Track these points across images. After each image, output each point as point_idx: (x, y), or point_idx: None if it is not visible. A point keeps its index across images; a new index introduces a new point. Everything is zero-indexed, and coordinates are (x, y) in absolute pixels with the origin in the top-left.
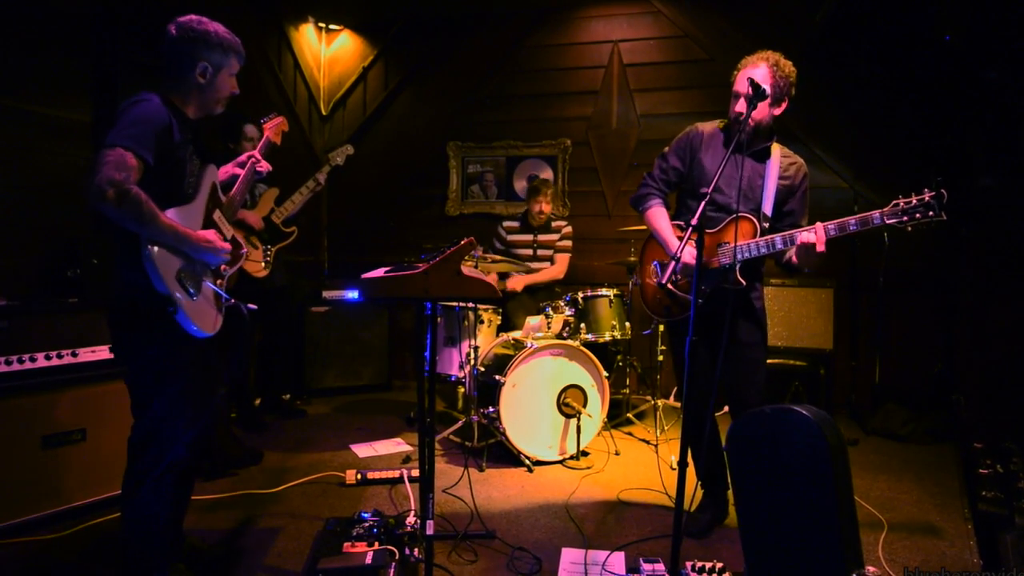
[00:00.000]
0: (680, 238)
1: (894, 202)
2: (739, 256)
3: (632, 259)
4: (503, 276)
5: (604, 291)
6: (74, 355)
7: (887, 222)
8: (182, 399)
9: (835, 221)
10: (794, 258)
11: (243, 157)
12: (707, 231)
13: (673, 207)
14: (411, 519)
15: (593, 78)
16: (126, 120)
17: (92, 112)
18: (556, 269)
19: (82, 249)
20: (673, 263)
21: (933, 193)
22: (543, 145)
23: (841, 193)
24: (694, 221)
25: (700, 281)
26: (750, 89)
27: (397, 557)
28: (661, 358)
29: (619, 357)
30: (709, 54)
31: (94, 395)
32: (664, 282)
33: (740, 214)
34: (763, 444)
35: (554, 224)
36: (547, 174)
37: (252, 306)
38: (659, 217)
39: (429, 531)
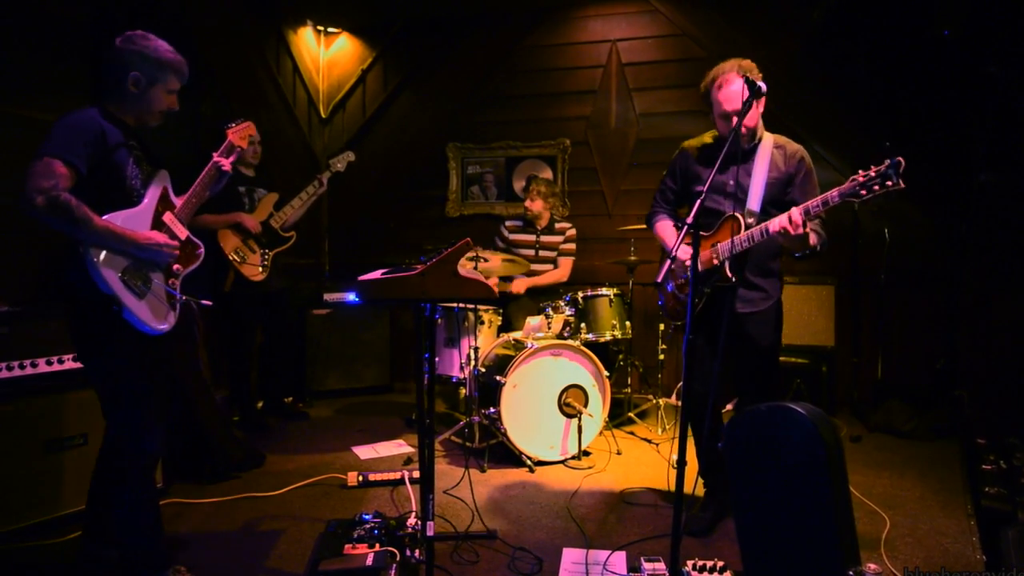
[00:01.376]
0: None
1: (852, 177)
2: (724, 253)
3: (632, 258)
4: (506, 279)
5: (604, 290)
6: (76, 360)
7: (848, 198)
8: (146, 394)
9: (800, 206)
10: (785, 244)
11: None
12: (704, 235)
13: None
14: (412, 520)
15: (592, 78)
16: (56, 131)
17: None
18: (560, 272)
19: None
20: (668, 262)
21: (889, 162)
22: (542, 145)
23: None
24: (689, 220)
25: (699, 282)
26: (734, 105)
27: (398, 558)
28: (662, 357)
29: (620, 356)
30: (707, 52)
31: (96, 400)
32: (659, 280)
33: (728, 214)
34: (759, 442)
35: (558, 226)
36: (547, 174)
37: (206, 302)
38: (664, 228)
39: (430, 532)
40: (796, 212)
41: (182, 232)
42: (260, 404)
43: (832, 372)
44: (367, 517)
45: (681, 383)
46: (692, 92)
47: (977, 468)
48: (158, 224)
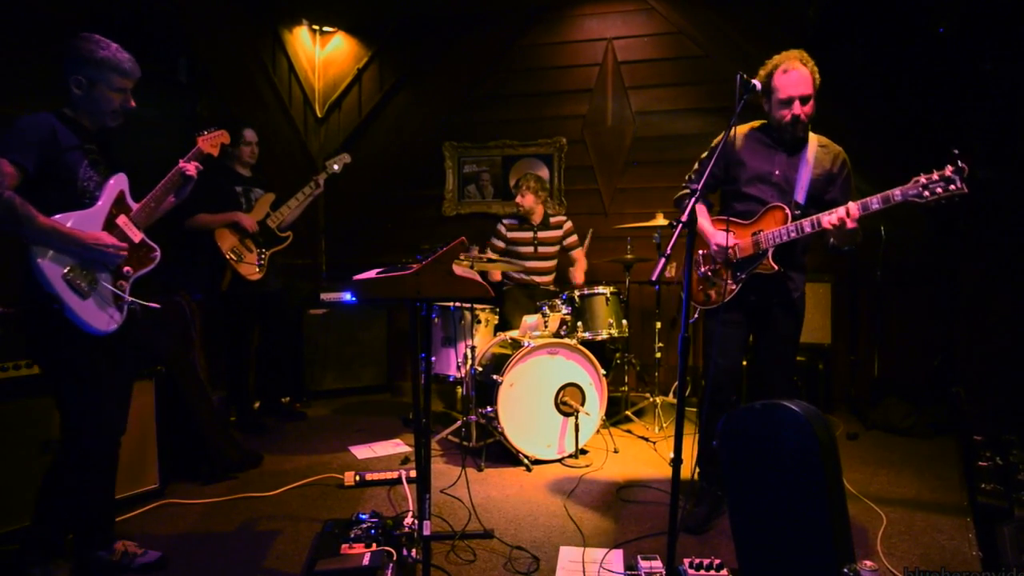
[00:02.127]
0: (720, 229)
1: (915, 178)
2: (770, 241)
3: (629, 257)
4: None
5: (601, 289)
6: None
7: (910, 198)
8: (95, 392)
9: (858, 201)
10: (832, 239)
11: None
12: (743, 222)
13: (717, 205)
14: (409, 520)
15: (588, 76)
16: (6, 132)
17: None
18: (582, 264)
19: None
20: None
21: (952, 168)
22: (539, 144)
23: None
24: (683, 218)
25: (736, 268)
26: (807, 90)
27: (395, 558)
28: (659, 355)
29: (617, 355)
30: (703, 50)
31: None
32: (656, 278)
33: (773, 204)
34: (754, 440)
35: (552, 220)
36: (543, 173)
37: (154, 305)
38: (700, 213)
39: (426, 532)
40: (855, 207)
41: (136, 235)
42: (257, 404)
43: (829, 369)
44: (364, 517)
45: (677, 384)
46: (689, 90)
47: (974, 465)
48: (110, 226)
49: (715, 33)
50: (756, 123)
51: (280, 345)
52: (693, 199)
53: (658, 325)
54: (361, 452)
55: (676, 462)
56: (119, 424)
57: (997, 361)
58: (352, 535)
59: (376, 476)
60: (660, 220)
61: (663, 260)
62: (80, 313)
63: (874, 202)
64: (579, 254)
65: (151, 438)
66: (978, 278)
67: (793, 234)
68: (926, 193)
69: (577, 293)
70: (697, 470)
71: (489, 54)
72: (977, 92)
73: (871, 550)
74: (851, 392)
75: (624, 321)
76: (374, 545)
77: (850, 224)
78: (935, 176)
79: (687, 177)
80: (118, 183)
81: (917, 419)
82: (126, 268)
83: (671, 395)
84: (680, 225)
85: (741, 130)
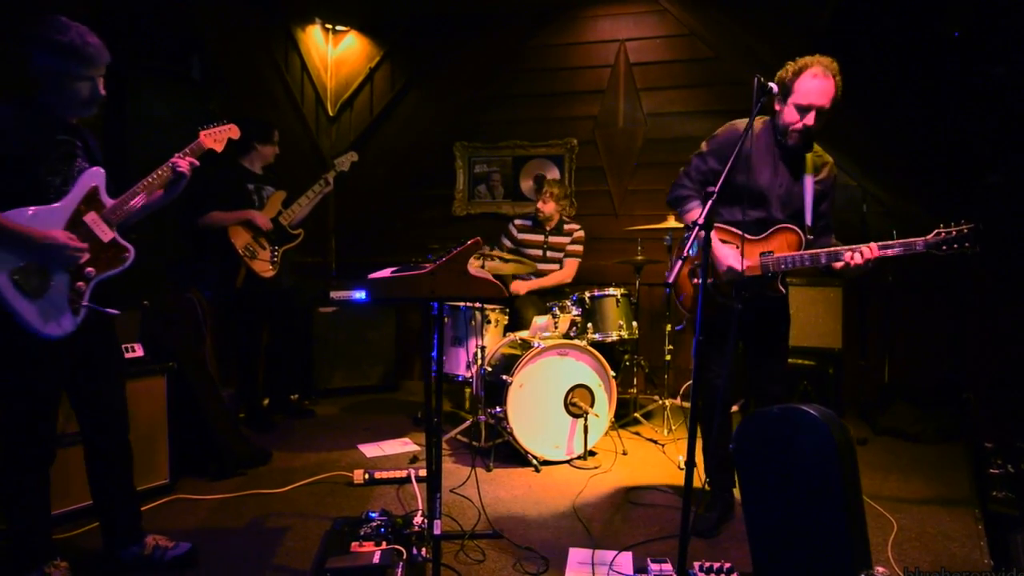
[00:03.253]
0: (724, 241)
1: (936, 230)
2: (783, 267)
3: (639, 258)
4: (515, 278)
5: (611, 291)
6: None
7: (931, 249)
8: (26, 398)
9: (880, 244)
10: (836, 266)
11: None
12: (751, 238)
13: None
14: (418, 519)
15: (599, 77)
16: None
17: (102, 116)
18: (564, 273)
19: None
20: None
21: (972, 226)
22: (549, 145)
23: (849, 191)
24: (700, 220)
25: (742, 287)
26: (828, 103)
27: (405, 557)
28: (668, 357)
29: (626, 357)
30: (716, 52)
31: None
32: (671, 280)
33: (784, 225)
34: (771, 444)
35: (566, 227)
36: (554, 174)
37: (113, 311)
38: (696, 215)
39: (437, 531)
40: (874, 249)
41: (106, 234)
42: (266, 401)
43: (839, 374)
44: (373, 515)
45: (688, 384)
46: (701, 92)
47: (984, 472)
48: (75, 224)
49: (727, 35)
50: (758, 122)
51: (290, 343)
52: (711, 201)
53: (668, 327)
54: (370, 450)
55: (689, 464)
56: (120, 417)
57: (1008, 367)
58: (362, 533)
59: (385, 475)
60: (671, 222)
61: (680, 262)
62: (25, 315)
63: (894, 250)
64: (571, 264)
65: (162, 434)
66: (989, 284)
67: (808, 263)
68: (944, 247)
69: (588, 294)
70: (707, 479)
71: (501, 54)
72: (989, 96)
73: (882, 556)
74: (861, 397)
75: (634, 323)
76: (384, 543)
77: (864, 266)
78: (953, 232)
79: (683, 172)
80: (91, 178)
81: (926, 425)
82: (88, 269)
83: (680, 398)
84: (696, 227)
85: (744, 126)
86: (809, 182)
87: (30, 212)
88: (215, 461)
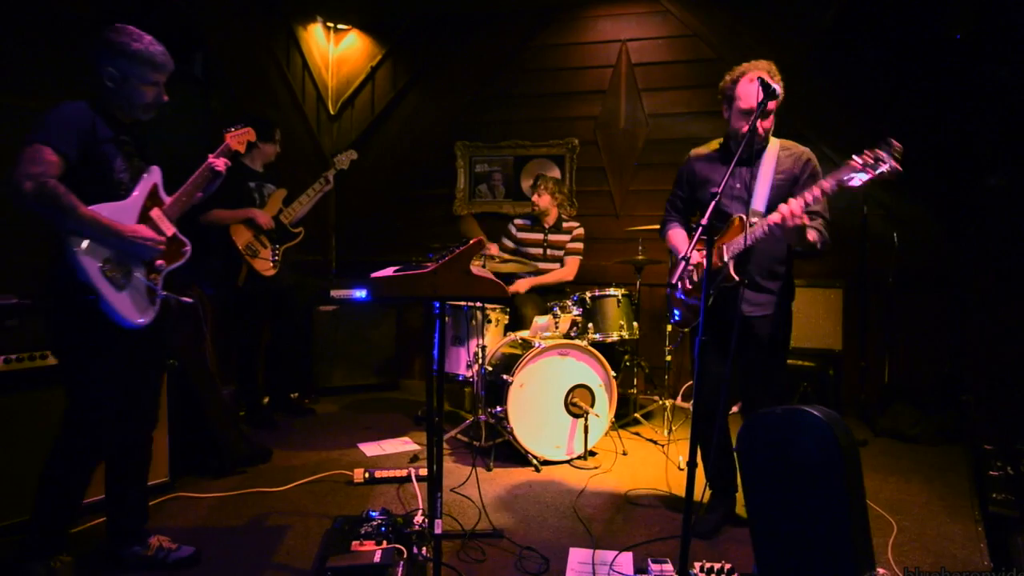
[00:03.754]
0: (697, 249)
1: (847, 161)
2: (728, 253)
3: (640, 258)
4: (515, 276)
5: (612, 291)
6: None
7: (844, 183)
8: (109, 386)
9: (798, 196)
10: (785, 240)
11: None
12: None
13: None
14: (419, 518)
15: (601, 77)
16: (47, 119)
17: None
18: (565, 271)
19: None
20: (682, 264)
21: (882, 144)
22: (550, 145)
23: (848, 191)
24: (703, 221)
25: (707, 285)
26: (758, 100)
27: (405, 556)
28: (669, 358)
29: (627, 357)
30: (718, 53)
31: None
32: (674, 282)
33: (735, 215)
34: (774, 445)
35: (565, 225)
36: (555, 173)
37: (187, 300)
38: (676, 235)
39: (437, 530)
40: (794, 202)
41: (168, 229)
42: (266, 400)
43: (839, 375)
44: (374, 514)
45: (689, 384)
46: (702, 93)
47: (984, 474)
48: (144, 219)
49: (729, 36)
50: (714, 143)
51: (290, 341)
52: (714, 201)
53: (668, 328)
54: (370, 449)
55: (691, 465)
56: (150, 415)
57: (1008, 369)
58: (362, 532)
59: (385, 473)
60: None
61: (683, 264)
62: (115, 305)
63: (811, 195)
64: (571, 262)
65: (162, 431)
66: (989, 285)
67: (748, 241)
68: (862, 175)
69: (588, 294)
70: (707, 485)
71: (502, 54)
72: (990, 98)
73: (882, 558)
74: (860, 398)
75: (635, 323)
76: (384, 543)
77: (790, 221)
78: (868, 157)
79: (665, 207)
80: (152, 176)
81: (926, 426)
82: (159, 262)
83: (680, 398)
84: (700, 229)
85: (701, 151)
86: (765, 174)
87: (108, 208)
88: (215, 459)
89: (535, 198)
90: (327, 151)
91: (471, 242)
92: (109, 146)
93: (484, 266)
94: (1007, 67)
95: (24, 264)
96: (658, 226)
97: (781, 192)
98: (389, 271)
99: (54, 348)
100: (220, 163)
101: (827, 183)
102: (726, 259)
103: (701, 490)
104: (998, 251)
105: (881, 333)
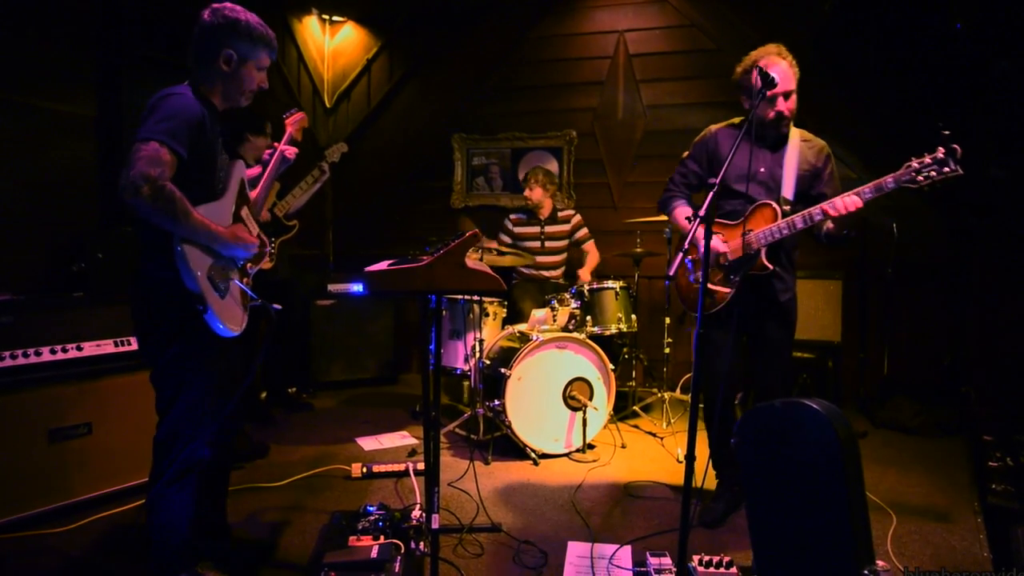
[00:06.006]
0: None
1: (906, 164)
2: (762, 240)
3: (638, 251)
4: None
5: (610, 283)
6: (79, 349)
7: (903, 183)
8: (205, 398)
9: (856, 190)
10: (830, 225)
11: (266, 154)
12: (730, 223)
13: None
14: (417, 512)
15: (599, 69)
16: (159, 114)
17: (97, 107)
18: (594, 257)
19: (87, 243)
20: (682, 253)
21: (944, 150)
22: (548, 137)
23: (850, 184)
24: (701, 212)
25: (729, 271)
26: (791, 85)
27: (403, 550)
28: (668, 350)
29: (625, 350)
30: (716, 44)
31: (100, 389)
32: (672, 273)
33: (762, 201)
34: (773, 438)
35: (561, 215)
36: (552, 166)
37: (277, 306)
38: (684, 214)
39: (435, 525)
40: (849, 197)
41: (254, 228)
42: (264, 394)
43: (838, 367)
44: (371, 509)
45: (687, 376)
46: (700, 84)
47: (984, 465)
48: (236, 219)
49: (727, 26)
50: (736, 119)
51: (287, 335)
52: (712, 193)
53: (667, 320)
54: (368, 444)
55: (689, 458)
56: (234, 424)
57: (1008, 361)
58: (360, 527)
59: (383, 468)
60: None
61: (680, 255)
62: (220, 315)
63: (867, 191)
64: (591, 246)
65: None
66: (990, 277)
67: (785, 231)
68: (919, 178)
69: (586, 287)
70: (707, 475)
71: (499, 46)
72: (992, 89)
73: (881, 550)
74: (860, 390)
75: (633, 316)
76: (382, 537)
77: (848, 209)
78: (927, 159)
79: (670, 179)
80: (239, 170)
81: (926, 418)
82: (249, 265)
83: (679, 391)
84: (697, 219)
85: (724, 127)
86: (792, 162)
87: (206, 208)
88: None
89: (527, 192)
90: (323, 144)
91: (466, 235)
92: (215, 141)
93: (482, 259)
94: (1009, 57)
95: (19, 260)
96: (656, 218)
97: (804, 184)
98: (383, 265)
99: (152, 360)
100: (290, 151)
101: (888, 182)
102: (758, 246)
103: (702, 478)
104: (998, 243)
105: (881, 325)
